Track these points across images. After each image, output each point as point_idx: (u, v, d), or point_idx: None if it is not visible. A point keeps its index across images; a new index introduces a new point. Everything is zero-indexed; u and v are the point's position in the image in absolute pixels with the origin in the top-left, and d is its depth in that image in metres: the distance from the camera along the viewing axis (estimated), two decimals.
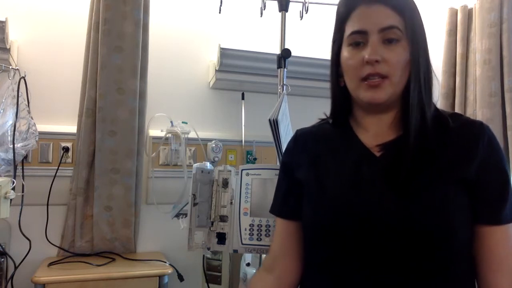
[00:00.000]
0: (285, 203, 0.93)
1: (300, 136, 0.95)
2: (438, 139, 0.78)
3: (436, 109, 0.83)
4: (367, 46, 0.78)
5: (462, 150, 0.76)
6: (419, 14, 0.82)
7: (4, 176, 1.52)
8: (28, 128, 1.65)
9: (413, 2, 0.82)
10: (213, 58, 2.06)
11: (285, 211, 0.93)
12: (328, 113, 0.94)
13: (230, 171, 1.41)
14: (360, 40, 0.79)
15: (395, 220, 0.73)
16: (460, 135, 0.78)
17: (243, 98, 2.12)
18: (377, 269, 0.74)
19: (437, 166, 0.75)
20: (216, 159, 1.99)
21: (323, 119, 0.96)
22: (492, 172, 0.76)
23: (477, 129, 0.78)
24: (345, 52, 0.82)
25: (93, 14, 1.83)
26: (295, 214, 0.89)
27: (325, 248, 0.81)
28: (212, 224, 1.38)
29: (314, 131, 0.94)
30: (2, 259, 1.65)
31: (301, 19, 1.67)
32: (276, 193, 0.97)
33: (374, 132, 0.84)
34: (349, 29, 0.81)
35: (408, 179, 0.74)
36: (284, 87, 1.48)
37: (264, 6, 1.63)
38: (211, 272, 1.84)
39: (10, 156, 1.56)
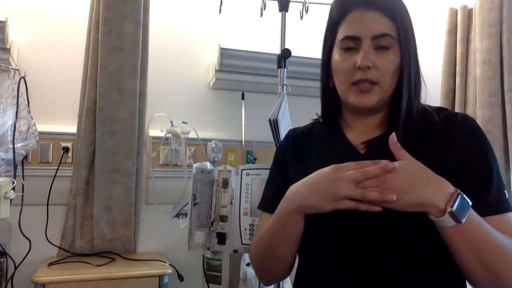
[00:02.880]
0: (276, 198, 0.93)
1: (292, 135, 0.97)
2: (423, 134, 0.79)
3: (423, 106, 0.84)
4: (359, 51, 0.78)
5: (442, 143, 0.77)
6: (409, 16, 0.83)
7: (4, 176, 1.52)
8: (28, 128, 1.65)
9: (404, 6, 0.83)
10: (213, 58, 2.06)
11: (275, 206, 0.92)
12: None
13: (230, 171, 1.41)
14: (352, 45, 0.80)
15: (378, 216, 0.73)
16: (442, 128, 0.79)
17: (243, 98, 2.12)
18: (365, 264, 0.75)
19: (421, 161, 0.76)
20: (216, 159, 1.99)
21: (315, 119, 0.97)
22: (474, 163, 0.76)
23: (459, 121, 0.79)
24: (336, 55, 0.83)
25: (93, 14, 1.83)
26: None
27: (311, 246, 0.82)
28: (212, 224, 1.38)
29: (305, 131, 0.96)
30: (2, 259, 1.65)
31: (301, 19, 1.67)
32: (266, 188, 0.97)
33: (360, 130, 0.85)
34: (342, 33, 0.82)
35: None
36: (284, 87, 1.48)
37: (264, 6, 1.63)
38: (211, 272, 1.84)
39: (10, 156, 1.56)
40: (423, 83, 0.85)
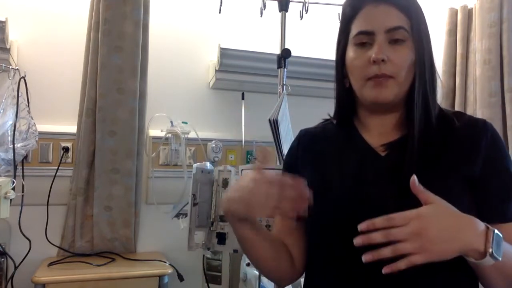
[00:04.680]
0: None
1: (304, 136, 0.96)
2: (443, 139, 0.78)
3: (440, 109, 0.83)
4: (373, 46, 0.78)
5: (465, 149, 0.76)
6: (423, 15, 0.82)
7: (4, 176, 1.52)
8: (28, 128, 1.65)
9: (418, 3, 0.83)
10: (213, 58, 2.06)
11: None
12: (330, 113, 0.94)
13: (230, 171, 1.41)
14: (366, 40, 0.79)
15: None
16: (464, 134, 0.78)
17: (243, 98, 2.12)
18: (381, 267, 0.74)
19: (441, 165, 0.76)
20: (216, 159, 1.99)
21: (326, 120, 0.96)
22: (496, 170, 0.76)
23: (480, 127, 0.79)
24: (350, 52, 0.82)
25: (93, 14, 1.83)
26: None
27: (329, 247, 0.81)
28: (212, 224, 1.38)
29: (318, 131, 0.95)
30: (2, 259, 1.65)
31: (301, 19, 1.67)
32: None
33: (378, 132, 0.84)
34: (355, 29, 0.81)
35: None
36: (284, 87, 1.48)
37: (264, 6, 1.63)
38: (211, 272, 1.84)
39: (10, 156, 1.56)
40: (439, 80, 0.84)
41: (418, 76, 0.78)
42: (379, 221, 0.63)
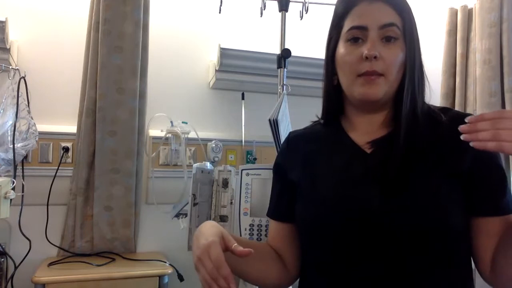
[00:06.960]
0: (278, 205, 0.93)
1: (293, 138, 0.97)
2: (429, 135, 0.78)
3: (428, 106, 0.84)
4: (365, 42, 0.78)
5: (453, 144, 0.76)
6: (414, 17, 0.83)
7: (4, 176, 1.52)
8: (28, 128, 1.65)
9: (409, 5, 0.83)
10: (213, 58, 2.06)
11: (278, 213, 0.93)
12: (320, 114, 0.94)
13: (230, 171, 1.41)
14: (359, 35, 0.79)
15: (386, 216, 0.73)
16: (451, 130, 0.78)
17: (243, 98, 2.12)
18: (372, 266, 0.74)
19: (429, 161, 0.76)
20: (216, 159, 1.99)
21: (315, 121, 0.96)
22: (487, 164, 0.77)
23: None
24: (341, 48, 0.82)
25: (93, 14, 1.83)
26: (288, 216, 0.89)
27: (319, 246, 0.81)
28: None
29: (306, 133, 0.96)
30: (2, 259, 1.65)
31: (301, 19, 1.67)
32: (271, 195, 0.98)
33: (365, 130, 0.84)
34: (348, 24, 0.81)
35: (399, 174, 0.75)
36: (284, 87, 1.48)
37: (264, 6, 1.63)
38: None
39: (10, 156, 1.56)
40: (427, 81, 0.84)
41: (408, 76, 0.79)
42: (488, 114, 0.63)
